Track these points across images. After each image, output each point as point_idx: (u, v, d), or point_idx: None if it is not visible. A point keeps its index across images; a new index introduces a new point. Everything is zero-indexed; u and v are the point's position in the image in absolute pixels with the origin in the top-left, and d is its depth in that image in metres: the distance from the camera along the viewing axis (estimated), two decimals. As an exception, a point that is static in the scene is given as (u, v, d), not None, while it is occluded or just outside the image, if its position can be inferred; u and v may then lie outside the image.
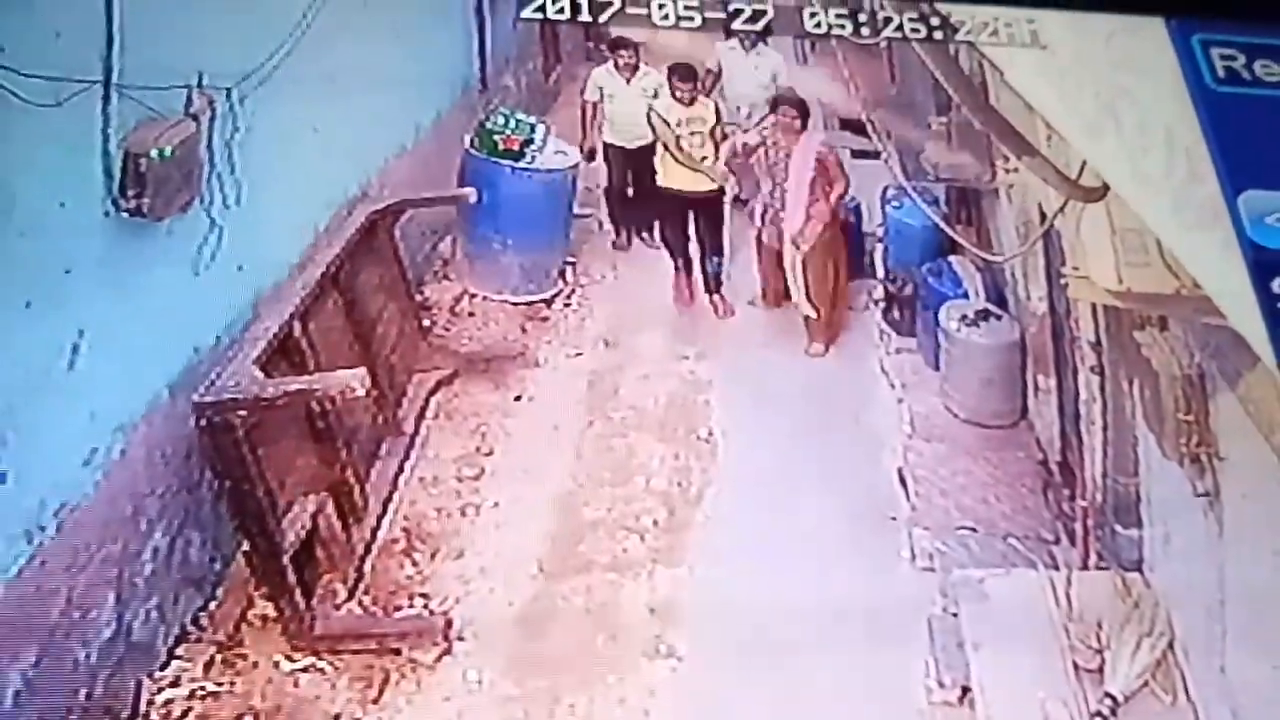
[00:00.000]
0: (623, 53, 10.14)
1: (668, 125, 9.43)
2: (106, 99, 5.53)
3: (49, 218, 5.24)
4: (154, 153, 5.65)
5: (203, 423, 6.00)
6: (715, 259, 9.45)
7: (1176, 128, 2.06)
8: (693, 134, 9.39)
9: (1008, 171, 7.29)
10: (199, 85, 6.18)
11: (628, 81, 10.12)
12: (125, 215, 5.66)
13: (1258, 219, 1.85)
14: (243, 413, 6.01)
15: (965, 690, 5.84)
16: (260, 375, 6.25)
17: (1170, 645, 5.63)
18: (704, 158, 9.36)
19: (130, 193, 5.63)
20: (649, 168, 9.74)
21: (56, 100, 5.14)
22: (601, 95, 10.23)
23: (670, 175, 9.49)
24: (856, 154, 9.74)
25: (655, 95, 9.87)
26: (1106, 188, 3.63)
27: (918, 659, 6.11)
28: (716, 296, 9.40)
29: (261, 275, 7.08)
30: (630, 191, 10.30)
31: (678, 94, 9.47)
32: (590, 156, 10.27)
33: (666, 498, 7.37)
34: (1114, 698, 5.44)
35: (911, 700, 5.93)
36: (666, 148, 9.45)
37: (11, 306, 5.04)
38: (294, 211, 7.50)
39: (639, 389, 8.42)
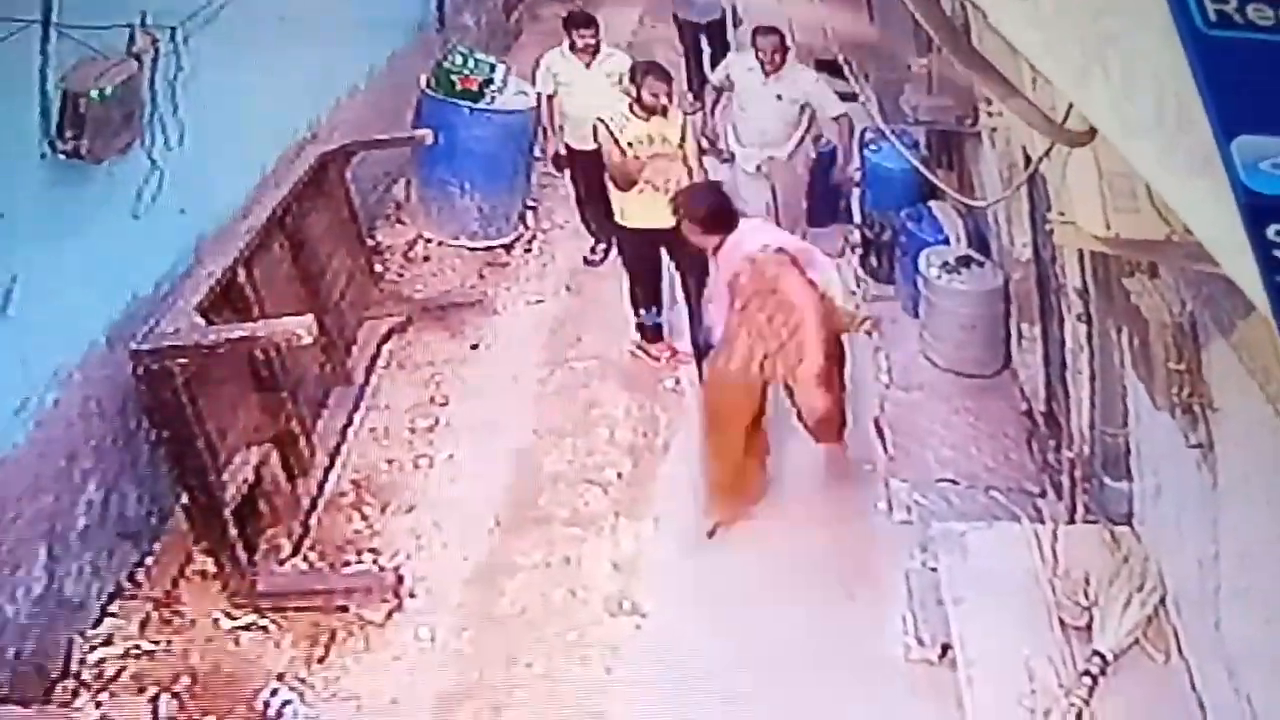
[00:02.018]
0: (581, 31, 9.10)
1: (617, 144, 7.79)
2: (45, 38, 5.41)
3: None
4: (94, 93, 5.53)
5: (140, 371, 5.90)
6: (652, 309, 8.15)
7: (1166, 72, 1.97)
8: (653, 156, 7.74)
9: (990, 115, 7.13)
10: (142, 24, 6.03)
11: (587, 66, 9.10)
12: (63, 157, 5.55)
13: (1252, 164, 1.76)
14: (182, 360, 5.90)
15: (945, 648, 5.76)
16: (201, 322, 6.15)
17: (1162, 601, 5.54)
18: (667, 185, 7.61)
19: (68, 134, 5.52)
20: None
21: (-8, 39, 5.01)
22: (556, 86, 9.17)
23: (627, 210, 7.93)
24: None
25: (620, 81, 8.59)
26: (1093, 131, 3.58)
27: (895, 614, 6.04)
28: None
29: (204, 219, 6.99)
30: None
31: (644, 100, 7.81)
32: (557, 164, 9.48)
33: (631, 449, 7.31)
34: (1103, 656, 5.35)
35: (889, 657, 5.86)
36: (613, 177, 7.88)
37: None
38: (239, 153, 7.43)
39: (603, 337, 8.33)
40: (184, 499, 6.24)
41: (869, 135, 9.41)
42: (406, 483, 7.05)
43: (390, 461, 7.19)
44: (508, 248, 9.37)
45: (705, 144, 8.94)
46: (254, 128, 7.59)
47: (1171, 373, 4.96)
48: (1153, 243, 4.01)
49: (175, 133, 6.45)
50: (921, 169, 7.32)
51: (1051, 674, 5.35)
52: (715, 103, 9.52)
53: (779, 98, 8.83)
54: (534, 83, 9.30)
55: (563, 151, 9.23)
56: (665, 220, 7.05)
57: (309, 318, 6.12)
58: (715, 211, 6.60)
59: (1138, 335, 5.28)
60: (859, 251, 9.29)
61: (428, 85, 9.41)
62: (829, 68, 10.67)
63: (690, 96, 11.75)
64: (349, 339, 8.08)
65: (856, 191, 9.51)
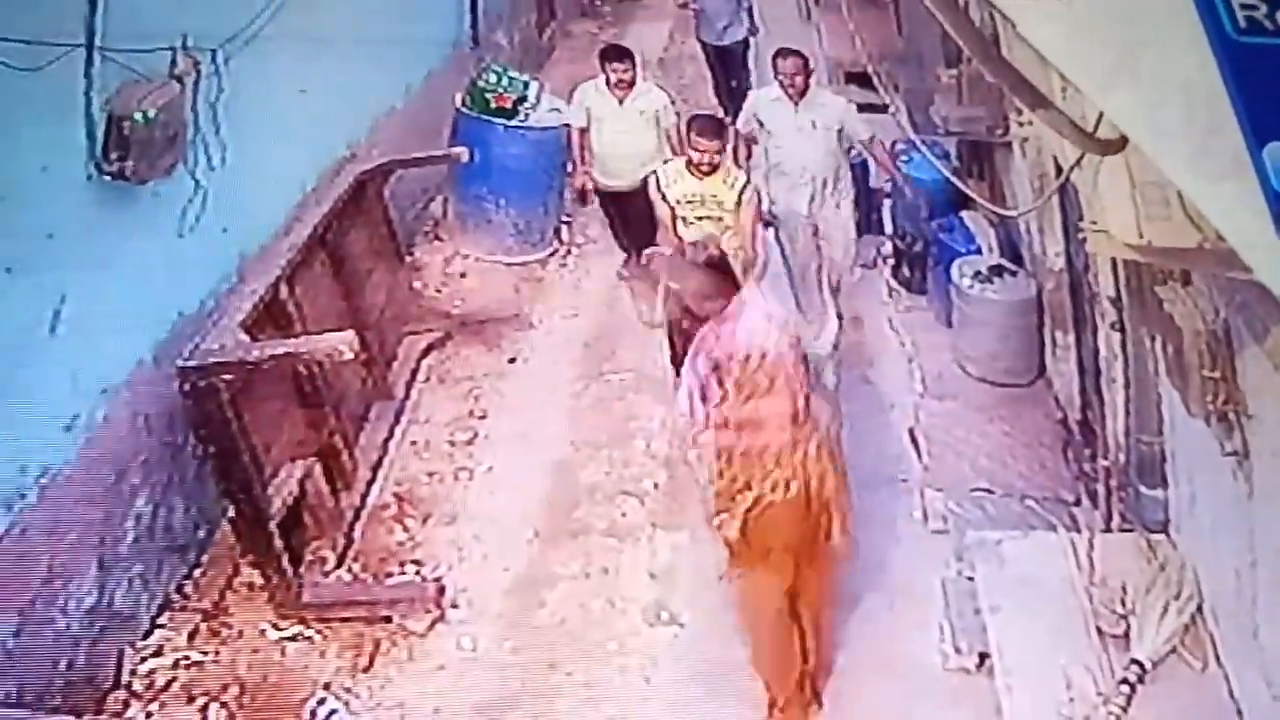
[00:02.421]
0: (615, 65, 8.77)
1: (664, 199, 7.36)
2: (89, 62, 5.49)
3: (31, 182, 5.20)
4: (137, 115, 5.60)
5: (187, 387, 5.98)
6: None
7: (1196, 79, 2.02)
8: (701, 219, 7.21)
9: (1021, 125, 7.21)
10: (183, 47, 6.12)
11: (621, 103, 8.78)
12: (108, 179, 5.62)
13: (1283, 170, 1.82)
14: (228, 376, 5.98)
15: (983, 656, 5.77)
16: (246, 339, 6.23)
17: (1199, 609, 5.53)
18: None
19: (113, 156, 5.59)
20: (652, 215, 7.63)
21: (38, 64, 5.08)
22: (589, 119, 8.89)
23: None
24: (863, 108, 9.68)
25: (657, 121, 8.62)
26: (1124, 140, 3.58)
27: (932, 623, 6.05)
28: None
29: (247, 238, 7.05)
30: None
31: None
32: (583, 198, 9.24)
33: (667, 461, 7.31)
34: (1141, 664, 5.36)
35: (926, 665, 5.87)
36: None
37: None
38: (280, 173, 7.49)
39: (638, 350, 8.36)
40: (230, 512, 6.29)
41: (900, 146, 9.42)
42: (447, 495, 7.10)
43: (431, 474, 7.25)
44: (543, 263, 9.45)
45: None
46: (294, 147, 7.63)
47: (1206, 380, 4.97)
48: (1185, 250, 4.02)
49: (217, 153, 6.51)
50: (953, 179, 7.35)
51: (1089, 682, 5.37)
52: (747, 156, 8.58)
53: (814, 125, 8.30)
54: (568, 101, 9.22)
55: (589, 186, 8.98)
56: None
57: (350, 333, 6.20)
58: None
59: (1171, 343, 5.29)
60: (890, 262, 9.32)
61: (463, 103, 9.50)
62: (859, 79, 10.79)
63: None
64: (389, 354, 8.13)
65: (888, 203, 9.54)
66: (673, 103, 9.09)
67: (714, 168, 7.21)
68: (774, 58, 8.51)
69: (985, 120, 8.41)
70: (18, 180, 5.08)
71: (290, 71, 7.47)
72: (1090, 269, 6.73)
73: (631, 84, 8.78)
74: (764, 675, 5.58)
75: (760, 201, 7.46)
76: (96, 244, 5.69)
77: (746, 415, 5.02)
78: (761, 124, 8.46)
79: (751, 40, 12.27)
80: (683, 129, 7.66)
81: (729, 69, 12.28)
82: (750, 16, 12.34)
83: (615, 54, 8.95)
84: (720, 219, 7.19)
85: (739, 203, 7.18)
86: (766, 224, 8.21)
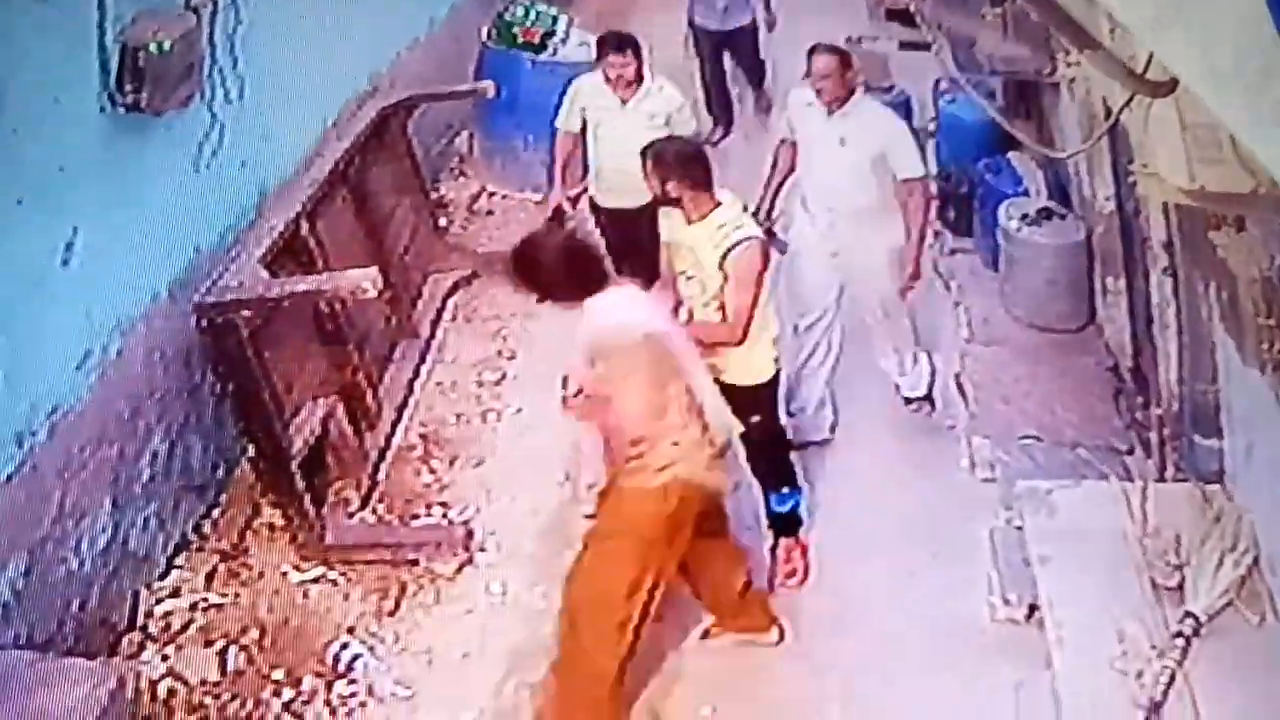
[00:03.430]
0: (613, 59, 7.19)
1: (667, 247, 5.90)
2: (103, -9, 5.40)
3: (42, 113, 5.09)
4: (152, 46, 5.47)
5: (204, 323, 5.94)
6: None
7: (1249, 20, 1.91)
8: (683, 274, 5.76)
9: (1069, 65, 7.07)
10: (200, -24, 6.02)
11: (624, 103, 7.26)
12: (122, 110, 5.51)
13: (1339, 113, 1.70)
14: (247, 313, 5.92)
15: (1032, 608, 5.70)
16: (265, 275, 6.16)
17: (1255, 562, 5.45)
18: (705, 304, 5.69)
19: (127, 87, 5.47)
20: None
21: (51, -8, 5.01)
22: (585, 122, 7.43)
23: None
24: (905, 45, 9.56)
25: (669, 126, 6.94)
26: (1175, 82, 3.53)
27: (980, 574, 5.98)
28: None
29: (266, 172, 6.98)
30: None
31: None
32: (555, 216, 7.56)
33: (702, 402, 7.16)
34: (1196, 617, 5.25)
35: (974, 618, 5.81)
36: None
37: (3, 204, 4.91)
38: (300, 106, 7.35)
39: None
40: (250, 451, 6.26)
41: (944, 85, 9.33)
42: (475, 436, 7.01)
43: (458, 415, 7.17)
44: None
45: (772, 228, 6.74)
46: (314, 80, 7.48)
47: (1261, 328, 4.93)
48: (1239, 195, 4.00)
49: (235, 86, 6.41)
50: (999, 119, 7.22)
51: (1143, 635, 5.27)
52: (782, 179, 7.05)
53: (842, 142, 6.61)
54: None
55: (566, 207, 7.54)
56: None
57: (374, 270, 6.10)
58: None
59: (1226, 290, 5.25)
60: (935, 204, 9.06)
61: (488, 37, 9.40)
62: (900, 16, 10.64)
63: (713, 128, 10.24)
64: (414, 293, 8.07)
65: (931, 143, 9.37)
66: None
67: (701, 215, 5.57)
68: (808, 54, 6.75)
69: (1031, 60, 8.23)
70: (29, 112, 4.97)
71: (310, 3, 7.34)
72: (1141, 213, 6.63)
73: (636, 80, 7.21)
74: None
75: (753, 271, 5.57)
76: (110, 177, 5.60)
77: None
78: (793, 131, 6.94)
79: (762, 28, 10.57)
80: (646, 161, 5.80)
81: (725, 63, 10.64)
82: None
83: (615, 43, 7.26)
84: (694, 278, 5.69)
85: (720, 268, 5.53)
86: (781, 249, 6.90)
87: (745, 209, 5.74)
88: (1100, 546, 5.75)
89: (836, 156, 6.64)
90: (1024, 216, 7.94)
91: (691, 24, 10.51)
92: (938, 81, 9.48)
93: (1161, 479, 6.33)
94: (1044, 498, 6.07)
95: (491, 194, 9.47)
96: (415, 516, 6.42)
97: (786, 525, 6.13)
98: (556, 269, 5.11)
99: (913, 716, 5.33)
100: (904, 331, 7.06)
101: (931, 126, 9.45)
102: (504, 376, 7.54)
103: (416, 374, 7.48)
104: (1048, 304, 7.84)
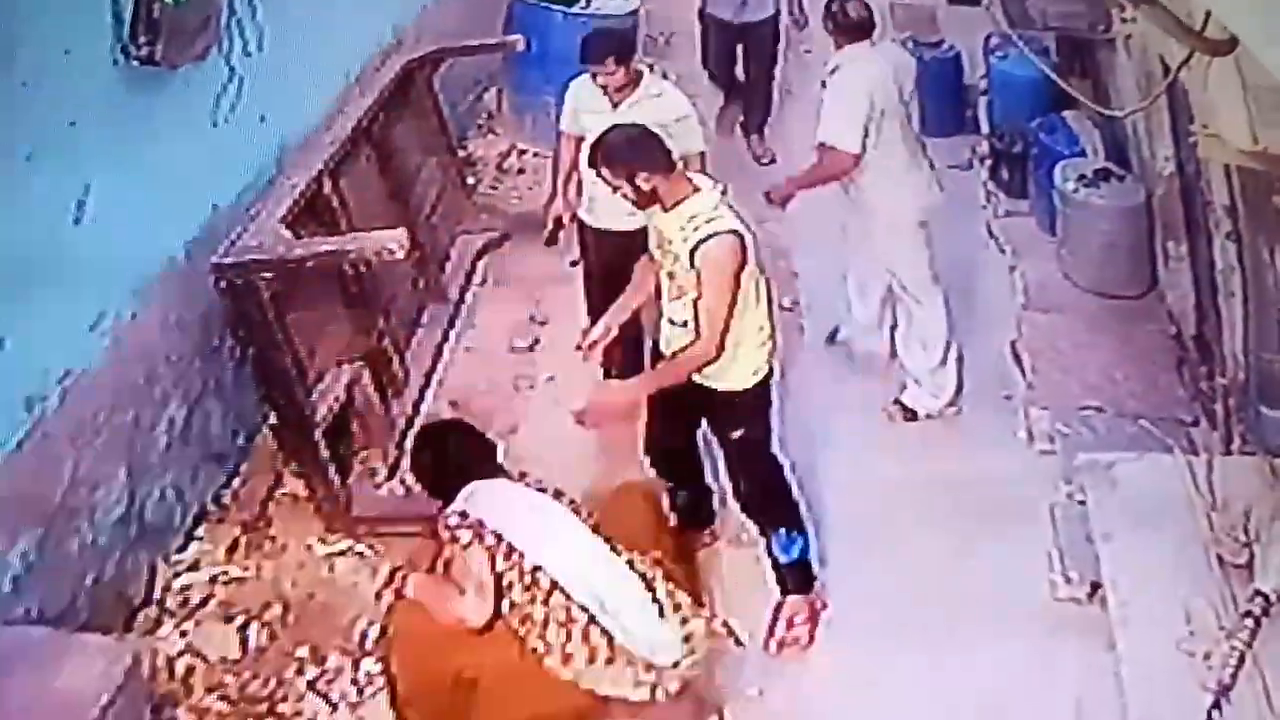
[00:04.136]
0: (597, 66, 6.47)
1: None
2: (116, -62, 5.32)
3: (53, 66, 5.01)
4: (168, -4, 5.44)
5: (223, 285, 5.83)
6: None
7: None
8: (667, 273, 5.25)
9: (1124, 21, 6.95)
10: (218, -76, 5.95)
11: (614, 107, 6.48)
12: (136, 64, 5.43)
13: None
14: (267, 275, 5.81)
15: (1095, 586, 5.62)
16: (287, 235, 6.05)
17: (1328, 538, 5.35)
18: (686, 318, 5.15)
19: (142, 39, 5.39)
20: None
21: (62, -58, 4.93)
22: (580, 127, 6.68)
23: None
24: (955, 0, 9.46)
25: (667, 138, 5.43)
26: (1234, 40, 3.46)
27: (1040, 550, 5.90)
28: None
29: (286, 128, 6.90)
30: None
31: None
32: (553, 235, 7.04)
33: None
34: (1265, 596, 5.11)
35: (1035, 595, 5.72)
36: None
37: (12, 159, 4.82)
38: (322, 59, 7.32)
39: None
40: (272, 419, 6.19)
41: (995, 41, 9.24)
42: (506, 404, 6.93)
43: (489, 382, 7.09)
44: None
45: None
46: (336, 33, 7.49)
47: None
48: None
49: (254, 38, 6.33)
50: (1053, 77, 7.11)
51: (1211, 615, 5.21)
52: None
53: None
54: None
55: (564, 219, 6.89)
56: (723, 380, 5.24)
57: (401, 231, 5.96)
58: None
59: (1292, 256, 5.14)
60: (988, 163, 9.09)
61: (517, -12, 9.26)
62: (949, -31, 10.53)
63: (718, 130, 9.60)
64: (442, 254, 8.00)
65: (983, 100, 9.27)
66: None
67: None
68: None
69: (1086, 15, 8.21)
70: (39, 64, 4.90)
71: (332, -50, 7.25)
72: (1203, 175, 6.54)
73: (630, 83, 6.48)
74: None
75: (726, 269, 4.98)
76: (123, 132, 5.50)
77: None
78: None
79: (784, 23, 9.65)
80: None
81: (742, 59, 9.80)
82: None
83: (597, 49, 6.49)
84: (672, 275, 5.19)
85: (691, 262, 5.00)
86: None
87: (724, 196, 5.15)
88: (1165, 522, 5.66)
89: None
90: (1081, 178, 7.83)
91: (702, 13, 9.68)
92: (989, 37, 9.40)
93: (1228, 451, 6.25)
94: (1106, 471, 6.00)
95: (521, 151, 9.38)
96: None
97: (795, 579, 5.60)
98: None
99: (971, 698, 5.21)
100: (933, 322, 6.79)
101: (983, 84, 9.41)
102: (536, 342, 7.45)
103: (445, 339, 7.42)
104: (1107, 269, 7.73)
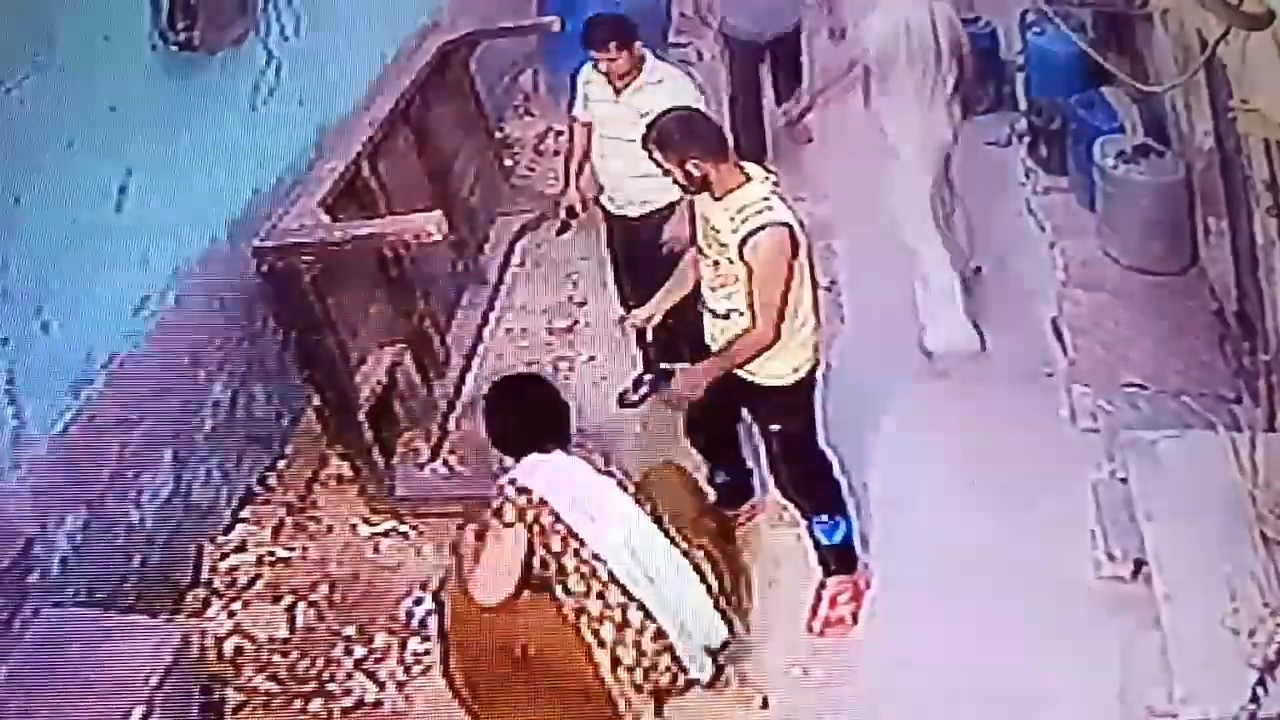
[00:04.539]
0: (599, 52, 6.36)
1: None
2: (153, -77, 5.36)
3: (92, 52, 5.08)
4: (205, -18, 5.48)
5: (265, 268, 5.91)
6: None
7: None
8: (707, 257, 5.22)
9: (1161, -5, 6.96)
10: (255, -93, 5.99)
11: (617, 95, 6.43)
12: (174, 49, 5.50)
13: None
14: (308, 258, 5.90)
15: (1139, 564, 5.60)
16: (326, 218, 6.13)
17: (1373, 514, 5.35)
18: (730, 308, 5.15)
19: (179, 25, 5.47)
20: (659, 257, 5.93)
21: (98, -74, 4.97)
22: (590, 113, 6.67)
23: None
24: (990, -24, 9.43)
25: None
26: (1272, 14, 3.44)
27: (1083, 529, 5.87)
28: None
29: (325, 112, 6.95)
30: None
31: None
32: (565, 225, 7.32)
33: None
34: (1311, 572, 5.17)
35: (1077, 574, 5.70)
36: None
37: (53, 147, 4.88)
38: (359, 43, 7.33)
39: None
40: (316, 401, 6.24)
41: (1031, 17, 9.20)
42: (548, 385, 6.94)
43: (529, 364, 7.10)
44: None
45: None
46: (372, 15, 7.49)
47: None
48: None
49: (291, 22, 6.41)
50: (1090, 52, 7.10)
51: (1255, 593, 5.17)
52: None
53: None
54: None
55: (578, 205, 6.86)
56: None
57: (439, 214, 6.04)
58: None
59: (1333, 231, 5.12)
60: (1026, 140, 9.05)
61: (553, -31, 9.23)
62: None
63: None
64: (481, 236, 8.03)
65: (1020, 77, 9.25)
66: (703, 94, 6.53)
67: (704, 184, 5.02)
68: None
69: None
70: (78, 50, 4.96)
71: (368, -66, 7.28)
72: (1243, 150, 6.45)
73: (633, 70, 6.35)
74: None
75: (779, 261, 4.96)
76: (163, 117, 5.56)
77: None
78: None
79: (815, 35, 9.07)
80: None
81: (768, 75, 9.04)
82: None
83: (597, 34, 6.37)
84: (717, 264, 5.15)
85: (740, 254, 4.97)
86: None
87: (777, 187, 5.10)
88: (1209, 499, 5.64)
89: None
90: (1120, 154, 7.79)
91: (723, 38, 8.99)
92: (1024, 13, 9.34)
93: (1271, 428, 6.19)
94: (1149, 449, 5.98)
95: (559, 133, 9.16)
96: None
97: (837, 560, 5.60)
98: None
99: (1014, 678, 5.20)
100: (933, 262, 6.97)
101: (1019, 60, 9.37)
102: (575, 324, 7.47)
103: (485, 321, 7.45)
104: (1148, 245, 7.68)
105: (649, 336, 6.20)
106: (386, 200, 6.90)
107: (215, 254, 5.92)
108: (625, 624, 4.70)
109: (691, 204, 5.24)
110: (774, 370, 5.19)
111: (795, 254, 5.02)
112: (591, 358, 7.14)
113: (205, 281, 5.83)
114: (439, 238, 5.96)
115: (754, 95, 8.93)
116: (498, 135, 9.07)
